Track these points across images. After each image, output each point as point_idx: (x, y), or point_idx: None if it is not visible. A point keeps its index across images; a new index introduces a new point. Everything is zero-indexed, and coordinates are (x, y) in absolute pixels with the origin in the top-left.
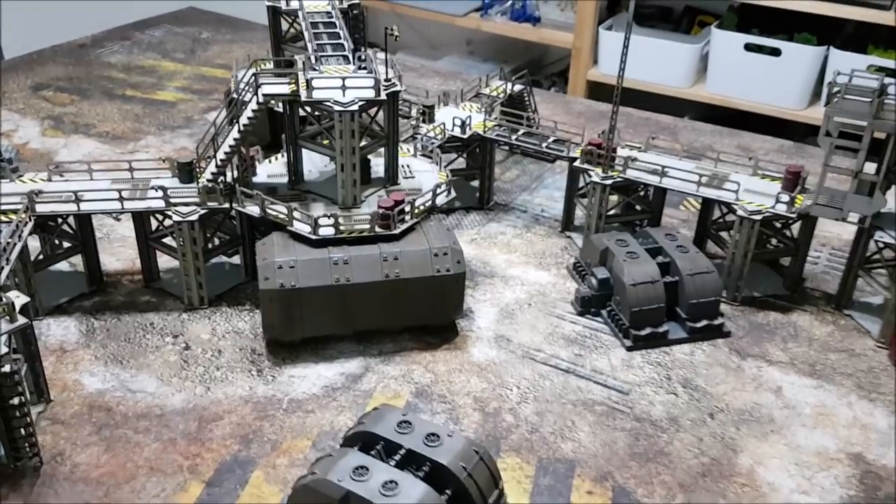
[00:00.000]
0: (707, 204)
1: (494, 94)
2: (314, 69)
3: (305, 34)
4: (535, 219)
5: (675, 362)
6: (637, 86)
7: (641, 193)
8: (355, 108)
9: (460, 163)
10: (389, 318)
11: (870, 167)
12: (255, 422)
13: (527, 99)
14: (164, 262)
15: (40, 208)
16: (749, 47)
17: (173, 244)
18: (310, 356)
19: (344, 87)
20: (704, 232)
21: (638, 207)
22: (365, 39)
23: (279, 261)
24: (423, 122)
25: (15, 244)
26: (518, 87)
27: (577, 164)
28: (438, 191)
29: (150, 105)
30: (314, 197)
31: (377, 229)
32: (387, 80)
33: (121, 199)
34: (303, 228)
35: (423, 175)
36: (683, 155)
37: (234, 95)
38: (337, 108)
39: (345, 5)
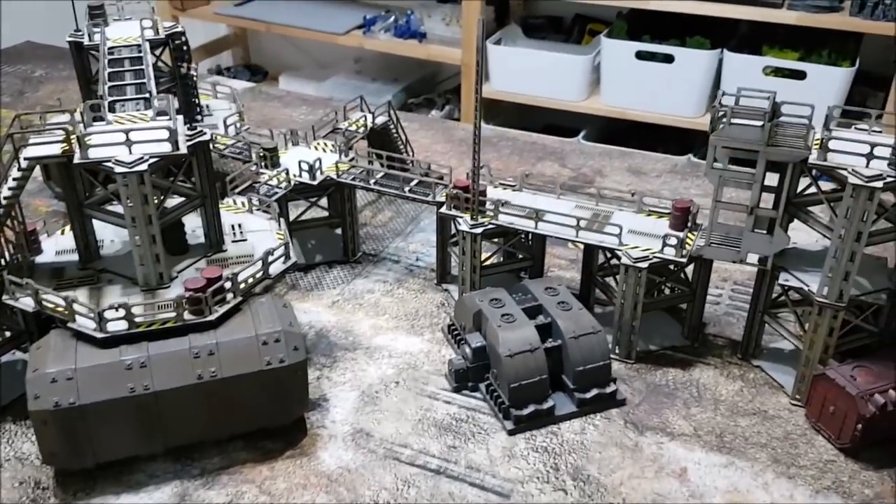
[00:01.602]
0: (590, 248)
1: (353, 128)
2: (101, 119)
3: (102, 74)
4: (408, 270)
5: (563, 446)
6: (531, 101)
7: (522, 238)
8: (143, 167)
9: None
10: (212, 428)
11: (768, 198)
12: None
13: (393, 131)
14: None
15: None
16: (641, 55)
17: None
18: (110, 485)
19: (129, 143)
20: (591, 279)
21: (519, 255)
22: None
23: (52, 372)
24: (265, 168)
25: None
26: (381, 119)
27: (443, 210)
28: (271, 258)
29: None
30: (112, 278)
31: (187, 316)
32: (192, 126)
33: None
34: (85, 324)
35: (258, 236)
36: (562, 192)
37: None
38: (119, 168)
39: (162, 35)
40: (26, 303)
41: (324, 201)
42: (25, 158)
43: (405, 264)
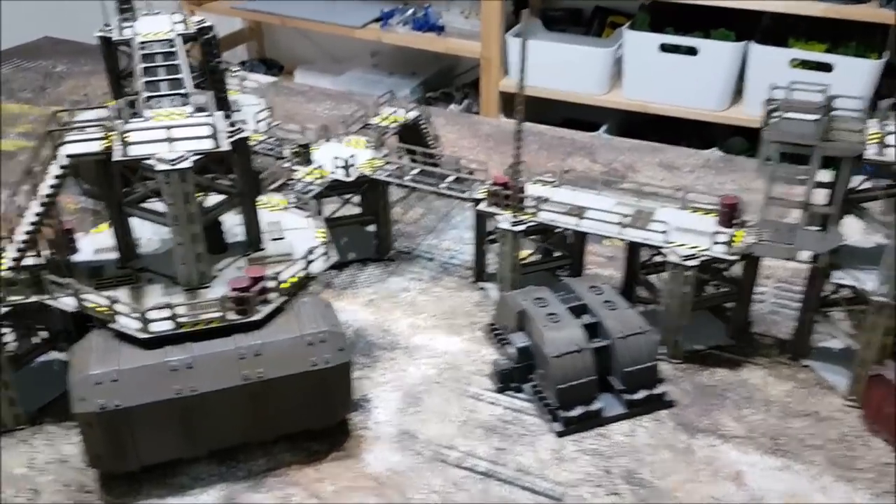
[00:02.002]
0: (634, 246)
1: (385, 123)
2: (138, 116)
3: (136, 70)
4: (443, 268)
5: (614, 448)
6: (551, 95)
7: (560, 236)
8: (186, 164)
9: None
10: (256, 430)
11: (821, 194)
12: None
13: (423, 126)
14: None
15: None
16: (664, 47)
17: None
18: (155, 487)
19: (171, 139)
20: (633, 277)
21: (557, 253)
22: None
23: (96, 374)
24: (298, 165)
25: None
26: (413, 114)
27: (481, 207)
28: (312, 256)
29: None
30: (151, 277)
31: (232, 316)
32: (232, 122)
33: None
34: (129, 325)
35: (296, 234)
36: (603, 187)
37: None
38: (161, 167)
39: (193, 30)
40: (67, 303)
41: (353, 198)
42: (67, 156)
43: (439, 262)
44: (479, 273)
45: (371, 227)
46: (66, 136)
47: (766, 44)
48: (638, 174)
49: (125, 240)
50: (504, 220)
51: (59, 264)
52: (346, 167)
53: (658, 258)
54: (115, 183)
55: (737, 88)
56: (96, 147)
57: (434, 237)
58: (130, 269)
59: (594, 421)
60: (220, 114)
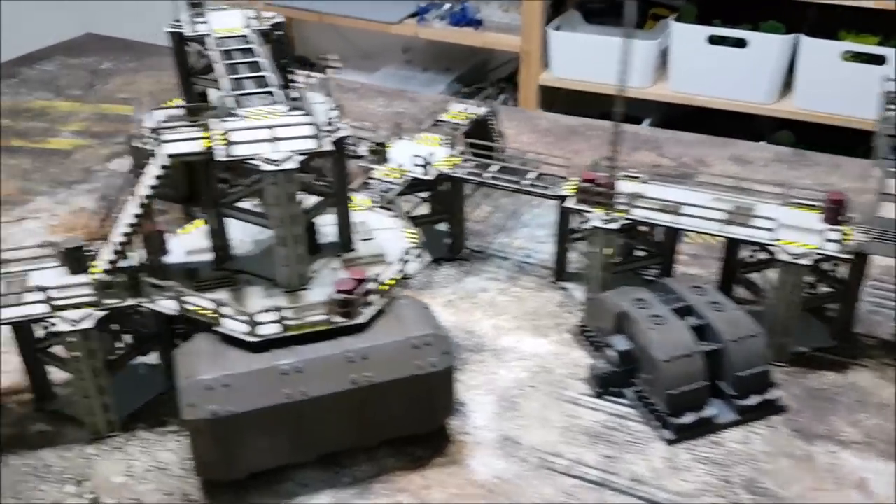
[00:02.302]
0: (733, 243)
1: (456, 120)
2: (233, 114)
3: (217, 67)
4: (519, 267)
5: (730, 456)
6: (595, 88)
7: (649, 234)
8: (292, 165)
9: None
10: (362, 435)
11: None
12: None
13: (492, 123)
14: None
15: None
16: (713, 40)
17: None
18: (261, 495)
19: (274, 139)
20: (731, 276)
21: (643, 252)
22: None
23: (207, 379)
24: (375, 163)
25: None
26: (484, 110)
27: (568, 204)
28: (407, 257)
29: (40, 156)
30: (249, 279)
31: (337, 319)
32: (329, 121)
33: None
34: (236, 328)
35: (384, 234)
36: (695, 182)
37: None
38: (267, 167)
39: (266, 25)
40: (167, 306)
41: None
42: (169, 156)
43: (514, 261)
44: (560, 273)
45: (441, 226)
46: (165, 134)
47: (814, 36)
48: (710, 167)
49: (221, 241)
50: (596, 217)
51: (153, 266)
52: (426, 165)
53: (762, 256)
54: (212, 183)
55: (785, 81)
56: (197, 147)
57: (505, 235)
58: (226, 270)
59: (706, 428)
60: (319, 111)
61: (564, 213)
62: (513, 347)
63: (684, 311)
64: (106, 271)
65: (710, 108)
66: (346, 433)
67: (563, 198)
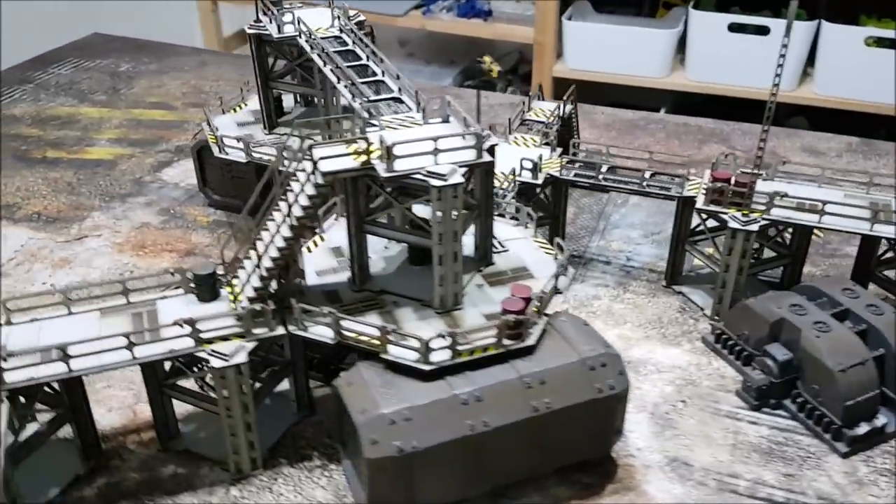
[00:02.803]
0: (869, 241)
1: (544, 118)
2: (371, 124)
3: (329, 73)
4: (624, 272)
5: None
6: (609, 79)
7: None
8: (459, 179)
9: None
10: (535, 465)
11: None
12: None
13: (574, 120)
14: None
15: (12, 377)
16: (733, 27)
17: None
18: None
19: (437, 151)
20: (867, 273)
21: (772, 253)
22: None
23: (389, 412)
24: None
25: None
26: (570, 108)
27: (701, 205)
28: (557, 270)
29: (82, 168)
30: (395, 299)
31: (506, 342)
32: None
33: (130, 345)
34: (406, 356)
35: (515, 245)
36: (823, 179)
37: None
38: (436, 182)
39: (352, 24)
40: (322, 333)
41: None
42: (323, 174)
43: (617, 265)
44: (674, 276)
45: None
46: (317, 150)
47: (835, 21)
48: (785, 160)
49: (362, 260)
50: (733, 219)
51: (293, 290)
52: (535, 169)
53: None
54: (360, 199)
55: (806, 67)
56: (353, 163)
57: (599, 238)
58: (369, 291)
59: (878, 438)
60: (465, 118)
61: (683, 215)
62: (647, 359)
63: (840, 316)
64: (251, 299)
65: (724, 95)
66: (519, 463)
67: (688, 199)
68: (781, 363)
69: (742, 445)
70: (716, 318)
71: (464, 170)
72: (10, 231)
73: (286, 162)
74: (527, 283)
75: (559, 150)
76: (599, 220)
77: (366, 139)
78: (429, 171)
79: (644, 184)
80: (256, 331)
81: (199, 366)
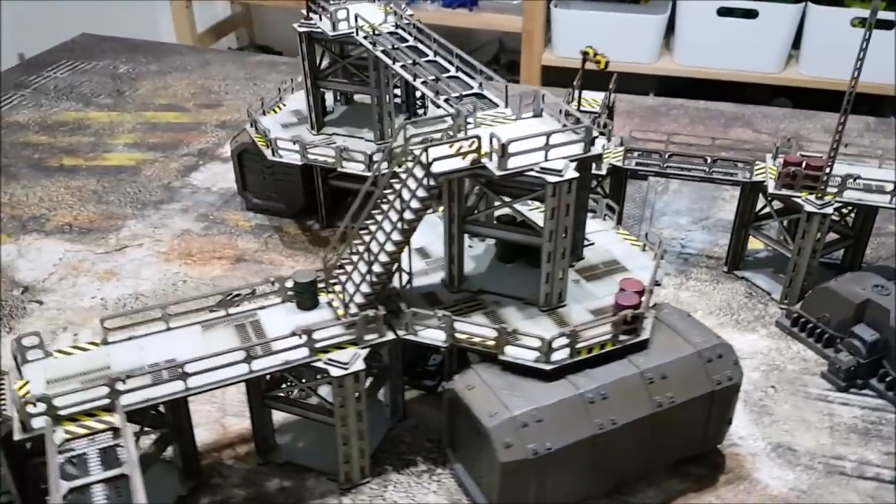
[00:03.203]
0: None
1: (591, 108)
2: (468, 122)
3: (401, 70)
4: (682, 259)
5: None
6: (718, 76)
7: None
8: (573, 174)
9: None
10: (653, 460)
11: None
12: None
13: (613, 109)
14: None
15: (129, 399)
16: (722, 12)
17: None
18: None
19: (548, 147)
20: None
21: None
22: None
23: (520, 415)
24: None
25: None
26: (613, 96)
27: (774, 190)
28: (653, 262)
29: (104, 175)
30: (496, 299)
31: (622, 337)
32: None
33: (248, 358)
34: (525, 356)
35: (599, 238)
36: (883, 160)
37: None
38: (552, 178)
39: (410, 19)
40: (434, 337)
41: None
42: (436, 175)
43: (673, 253)
44: (736, 261)
45: None
46: (431, 152)
47: (822, 3)
48: (810, 143)
49: (460, 261)
50: (808, 202)
51: (392, 294)
52: (598, 160)
53: None
54: (461, 198)
55: (792, 49)
56: (464, 163)
57: (648, 226)
58: (467, 292)
59: None
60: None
61: (749, 200)
62: None
63: None
64: (361, 306)
65: (710, 79)
66: (639, 460)
67: (755, 184)
68: (870, 343)
69: (839, 427)
70: (785, 301)
71: (574, 164)
72: (43, 244)
73: (387, 164)
74: (621, 276)
75: (615, 139)
76: (644, 207)
77: (477, 138)
78: (542, 168)
79: (710, 170)
80: (368, 337)
81: (296, 376)
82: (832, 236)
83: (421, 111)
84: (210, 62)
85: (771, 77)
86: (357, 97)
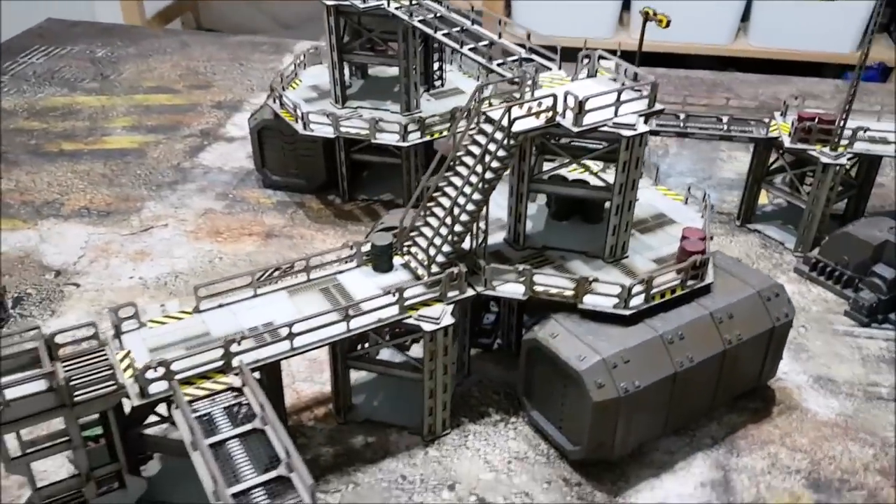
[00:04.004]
0: None
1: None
2: (535, 84)
3: (445, 39)
4: None
5: None
6: (562, 42)
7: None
8: (645, 129)
9: None
10: (719, 396)
11: None
12: None
13: None
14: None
15: (248, 358)
16: None
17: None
18: (638, 469)
19: (619, 103)
20: None
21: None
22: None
23: (609, 356)
24: None
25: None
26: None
27: (790, 144)
28: (700, 213)
29: (109, 158)
30: (561, 254)
31: (690, 282)
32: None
33: (347, 317)
34: (603, 304)
35: (642, 194)
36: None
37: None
38: (626, 133)
39: None
40: (513, 291)
41: None
42: (515, 134)
43: None
44: (749, 215)
45: None
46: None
47: None
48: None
49: (523, 219)
50: (822, 154)
51: (465, 254)
52: None
53: None
54: (530, 158)
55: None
56: (538, 121)
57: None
58: (532, 249)
59: None
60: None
61: (762, 156)
62: None
63: None
64: (442, 265)
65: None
66: (708, 397)
67: (769, 140)
68: (890, 281)
69: (869, 358)
70: (799, 249)
71: (643, 119)
72: (64, 228)
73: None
74: (671, 228)
75: None
76: (649, 170)
77: (553, 97)
78: (616, 123)
79: (728, 128)
80: (451, 294)
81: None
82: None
83: (438, 83)
84: (189, 44)
85: (720, 49)
86: (371, 71)
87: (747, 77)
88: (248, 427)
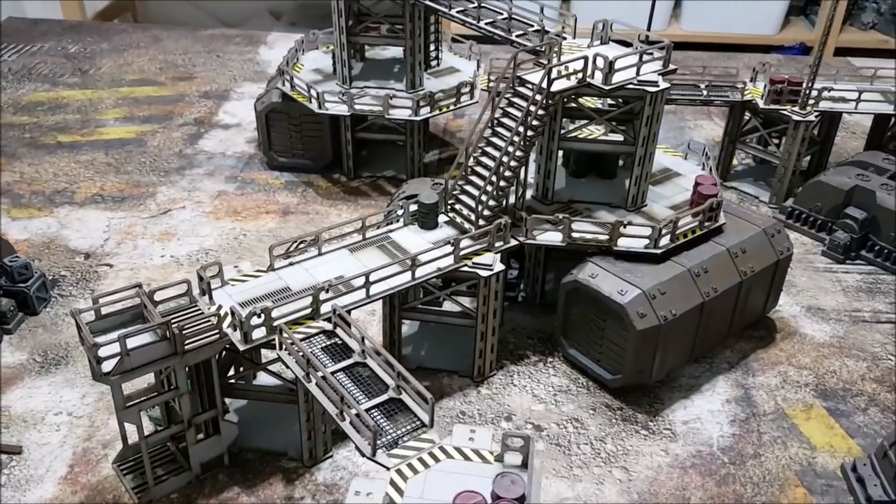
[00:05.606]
0: (883, 119)
1: None
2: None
3: (460, 16)
4: None
5: None
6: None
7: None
8: (666, 85)
9: None
10: (732, 325)
11: None
12: (721, 488)
13: None
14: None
15: (340, 302)
16: None
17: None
18: (670, 392)
19: (641, 63)
20: (879, 148)
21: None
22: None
23: (648, 289)
24: None
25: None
26: None
27: (763, 105)
28: (701, 164)
29: (110, 148)
30: (586, 206)
31: (706, 224)
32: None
33: (412, 267)
34: (635, 245)
35: None
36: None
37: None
38: (651, 89)
39: None
40: (552, 239)
41: None
42: (553, 94)
43: None
44: (725, 173)
45: None
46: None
47: None
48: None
49: (553, 175)
50: (793, 112)
51: (505, 208)
52: None
53: None
54: (559, 118)
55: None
56: (572, 82)
57: None
58: (560, 203)
59: None
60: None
61: (737, 118)
62: None
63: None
64: (488, 218)
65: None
66: (725, 325)
67: (745, 103)
68: (861, 221)
69: (849, 289)
70: (773, 200)
71: (662, 77)
72: (82, 214)
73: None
74: (678, 180)
75: None
76: None
77: (585, 58)
78: (640, 81)
79: (709, 94)
80: (497, 244)
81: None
82: None
83: (434, 63)
84: (161, 38)
85: (657, 34)
86: (368, 54)
87: (698, 55)
88: (350, 361)
